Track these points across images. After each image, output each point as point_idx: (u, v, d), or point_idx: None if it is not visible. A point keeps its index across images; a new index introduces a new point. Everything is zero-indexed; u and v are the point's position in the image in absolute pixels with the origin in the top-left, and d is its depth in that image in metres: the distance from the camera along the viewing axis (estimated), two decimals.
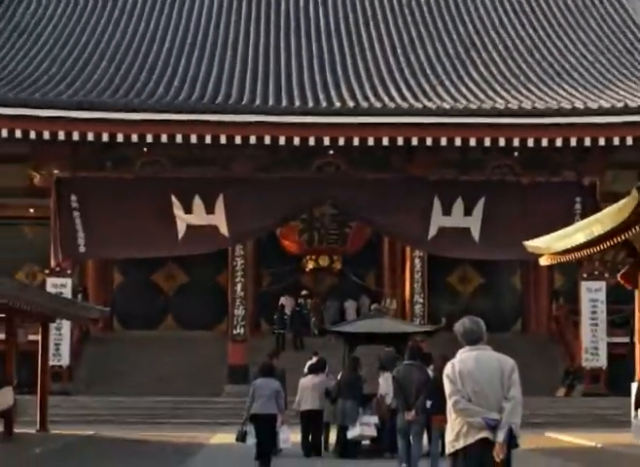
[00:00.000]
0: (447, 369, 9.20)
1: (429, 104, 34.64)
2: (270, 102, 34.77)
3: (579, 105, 34.49)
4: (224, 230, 34.91)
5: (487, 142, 33.97)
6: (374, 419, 21.41)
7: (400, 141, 33.88)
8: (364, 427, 21.41)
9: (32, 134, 33.43)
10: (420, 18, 43.15)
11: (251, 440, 19.69)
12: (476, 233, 35.20)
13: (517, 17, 43.50)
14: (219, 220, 34.84)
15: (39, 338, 28.61)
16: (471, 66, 39.06)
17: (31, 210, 37.49)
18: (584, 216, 30.57)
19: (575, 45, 41.17)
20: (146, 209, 34.51)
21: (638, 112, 33.87)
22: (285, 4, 43.93)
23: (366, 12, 43.59)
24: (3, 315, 25.16)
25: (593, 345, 35.32)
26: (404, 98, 35.32)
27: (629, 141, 34.23)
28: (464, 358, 9.18)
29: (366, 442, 21.84)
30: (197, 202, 34.86)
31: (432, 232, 35.23)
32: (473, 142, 33.92)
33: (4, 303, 20.21)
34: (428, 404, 17.93)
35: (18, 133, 33.41)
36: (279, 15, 42.95)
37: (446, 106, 34.44)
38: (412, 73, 38.21)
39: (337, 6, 44.03)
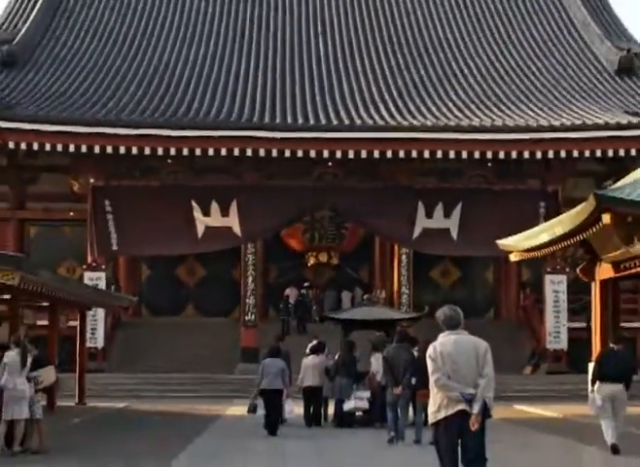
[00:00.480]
0: (430, 350, 9.22)
1: (414, 122, 34.63)
2: (277, 120, 34.77)
3: (543, 123, 34.49)
4: (237, 230, 34.92)
5: (464, 155, 33.96)
6: (367, 394, 21.42)
7: (389, 154, 33.87)
8: (358, 401, 21.42)
9: (72, 148, 33.44)
10: (406, 48, 43.11)
11: (260, 411, 19.78)
12: (454, 234, 35.20)
13: (490, 47, 43.48)
14: (233, 222, 34.85)
15: (77, 323, 28.67)
16: (450, 89, 39.04)
17: (71, 213, 37.46)
18: (547, 218, 30.53)
19: (540, 71, 41.15)
20: (170, 213, 34.49)
21: (594, 129, 33.87)
22: (290, 36, 43.94)
23: (359, 42, 43.58)
24: (47, 304, 25.18)
25: (556, 330, 35.32)
26: (392, 117, 35.31)
27: (587, 153, 34.24)
28: (444, 341, 9.20)
29: (359, 413, 21.85)
30: (214, 207, 34.87)
31: (416, 232, 35.23)
32: (452, 155, 33.89)
33: (48, 293, 20.22)
34: (413, 380, 17.97)
35: (60, 147, 33.43)
36: (285, 46, 42.92)
37: (429, 124, 34.42)
38: (400, 95, 38.20)
39: (335, 37, 44.03)
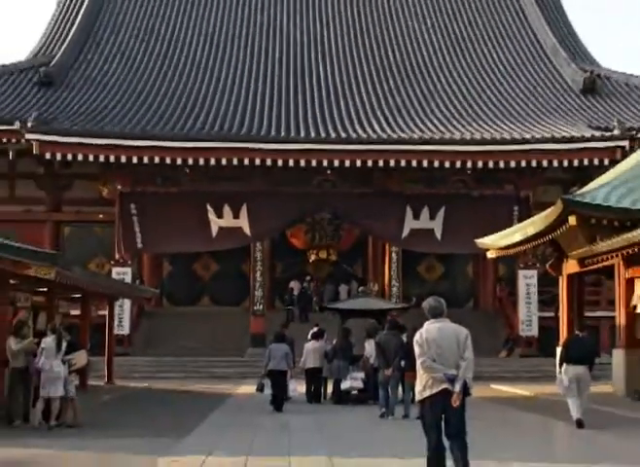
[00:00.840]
0: (417, 336, 9.22)
1: (403, 135, 34.63)
2: (282, 133, 34.76)
3: (516, 136, 34.47)
4: (247, 230, 34.89)
5: (447, 164, 33.90)
6: (361, 375, 21.44)
7: (381, 163, 33.82)
8: (353, 381, 21.45)
9: (101, 158, 33.41)
10: (396, 71, 43.07)
11: (267, 390, 19.78)
12: (438, 234, 35.16)
13: (470, 69, 43.43)
14: (243, 223, 34.83)
15: (106, 313, 28.67)
16: (434, 107, 39.03)
17: (100, 216, 37.45)
18: (520, 220, 30.57)
19: (514, 90, 41.15)
20: (188, 215, 34.50)
21: (561, 141, 33.85)
22: (293, 59, 43.89)
23: (355, 66, 43.54)
24: (79, 296, 25.17)
25: (528, 319, 35.28)
26: (384, 131, 35.30)
27: (555, 163, 34.19)
28: (429, 328, 9.20)
29: (355, 392, 21.86)
30: (227, 210, 34.85)
31: (405, 232, 35.21)
32: (436, 164, 33.85)
33: (80, 286, 20.23)
34: (402, 363, 17.97)
35: (91, 158, 33.40)
36: (289, 70, 42.87)
37: (416, 137, 34.40)
38: (390, 112, 38.17)
39: (334, 61, 43.98)
